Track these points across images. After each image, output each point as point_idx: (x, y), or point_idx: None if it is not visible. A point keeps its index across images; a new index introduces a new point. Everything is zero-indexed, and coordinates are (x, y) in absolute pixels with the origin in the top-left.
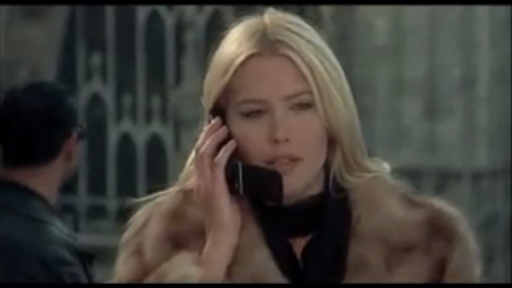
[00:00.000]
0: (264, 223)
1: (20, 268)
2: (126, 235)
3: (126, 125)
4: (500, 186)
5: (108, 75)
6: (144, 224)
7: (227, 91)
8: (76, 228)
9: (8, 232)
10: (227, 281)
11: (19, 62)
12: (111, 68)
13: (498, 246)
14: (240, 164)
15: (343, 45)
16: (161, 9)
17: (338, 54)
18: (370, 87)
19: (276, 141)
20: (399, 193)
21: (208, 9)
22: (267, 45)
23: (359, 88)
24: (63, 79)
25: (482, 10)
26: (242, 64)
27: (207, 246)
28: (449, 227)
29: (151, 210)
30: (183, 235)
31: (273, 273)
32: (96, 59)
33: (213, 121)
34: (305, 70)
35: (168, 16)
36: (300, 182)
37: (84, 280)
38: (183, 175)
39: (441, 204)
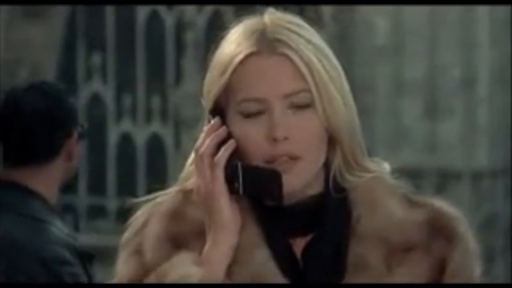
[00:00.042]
0: (264, 223)
1: (20, 268)
2: (126, 235)
3: (126, 125)
4: (500, 186)
5: (108, 75)
6: (144, 224)
7: (227, 90)
8: (76, 228)
9: (8, 232)
10: (227, 281)
11: (19, 62)
12: (111, 68)
13: (498, 246)
14: (240, 164)
15: (343, 45)
16: (161, 9)
17: (338, 54)
18: (370, 87)
19: (275, 140)
20: (399, 193)
21: (208, 9)
22: (266, 44)
23: (359, 88)
24: (63, 79)
25: (482, 10)
26: (241, 63)
27: (207, 246)
28: (449, 227)
29: (151, 210)
30: (183, 235)
31: (273, 273)
32: (96, 59)
33: (212, 121)
34: (304, 69)
35: (168, 16)
36: (299, 180)
37: (84, 280)
38: (183, 175)
39: (441, 204)
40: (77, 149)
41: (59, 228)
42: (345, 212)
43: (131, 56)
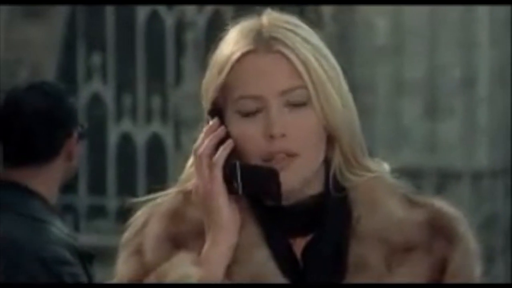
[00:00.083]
0: (264, 223)
1: (21, 268)
2: (126, 235)
3: (126, 125)
4: (500, 186)
5: (108, 75)
6: (144, 224)
7: (224, 89)
8: (76, 228)
9: (8, 232)
10: (227, 281)
11: (19, 62)
12: (111, 68)
13: (498, 246)
14: (238, 164)
15: (343, 45)
16: (161, 9)
17: (338, 54)
18: (370, 87)
19: (272, 137)
20: (400, 193)
21: (209, 9)
22: (262, 42)
23: (359, 88)
24: (63, 79)
25: (482, 10)
26: (238, 61)
27: (206, 246)
28: (449, 227)
29: (151, 211)
30: (183, 235)
31: (273, 273)
32: (96, 59)
33: (211, 122)
34: (300, 67)
35: (168, 16)
36: (297, 178)
37: (84, 280)
38: (183, 177)
39: (441, 204)
40: (77, 149)
41: (59, 228)
42: (345, 212)
43: (131, 56)
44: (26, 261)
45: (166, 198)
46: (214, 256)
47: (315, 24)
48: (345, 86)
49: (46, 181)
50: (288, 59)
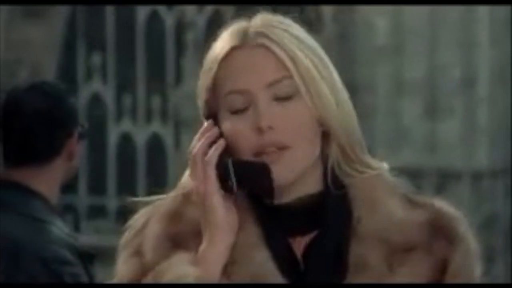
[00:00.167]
0: (264, 223)
1: (21, 268)
2: (125, 236)
3: (126, 125)
4: (500, 186)
5: (108, 75)
6: (144, 225)
7: (215, 88)
8: (76, 228)
9: (9, 232)
10: (226, 281)
11: (19, 62)
12: (111, 68)
13: (498, 246)
14: (230, 161)
15: (343, 45)
16: (161, 9)
17: (338, 54)
18: (370, 87)
19: (260, 130)
20: (400, 193)
21: (209, 9)
22: (249, 38)
23: (359, 88)
24: (63, 79)
25: (482, 10)
26: (225, 58)
27: (203, 246)
28: (449, 227)
29: (151, 212)
30: (182, 235)
31: (273, 273)
32: (96, 59)
33: (205, 124)
34: (285, 58)
35: (168, 16)
36: (290, 171)
37: (84, 280)
38: (181, 182)
39: (441, 204)
40: (77, 149)
41: (60, 228)
42: (345, 211)
43: (131, 56)
44: (26, 261)
45: (165, 199)
46: (211, 256)
47: (315, 24)
48: (340, 86)
49: (47, 181)
50: (273, 52)
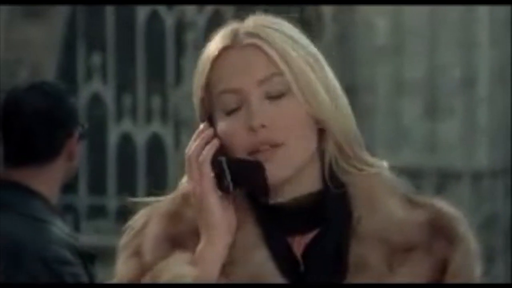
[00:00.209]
0: (264, 223)
1: (22, 268)
2: (125, 237)
3: (126, 125)
4: (500, 186)
5: (108, 75)
6: (144, 226)
7: (208, 87)
8: (76, 228)
9: (9, 232)
10: (226, 281)
11: (19, 62)
12: (111, 68)
13: (498, 246)
14: (224, 160)
15: (343, 45)
16: (161, 9)
17: (338, 54)
18: (370, 87)
19: (252, 129)
20: (400, 193)
21: (209, 9)
22: (239, 38)
23: (359, 88)
24: (63, 79)
25: (482, 10)
26: (216, 58)
27: (201, 245)
28: (449, 227)
29: (150, 212)
30: (181, 235)
31: (272, 273)
32: (96, 59)
33: (201, 126)
34: (275, 55)
35: (168, 16)
36: (283, 168)
37: (85, 280)
38: (181, 183)
39: (441, 204)
40: (78, 149)
41: (60, 228)
42: (345, 210)
43: (131, 56)
44: (27, 261)
45: (165, 200)
46: (209, 255)
47: (315, 24)
48: (334, 84)
49: (47, 181)
50: (263, 50)
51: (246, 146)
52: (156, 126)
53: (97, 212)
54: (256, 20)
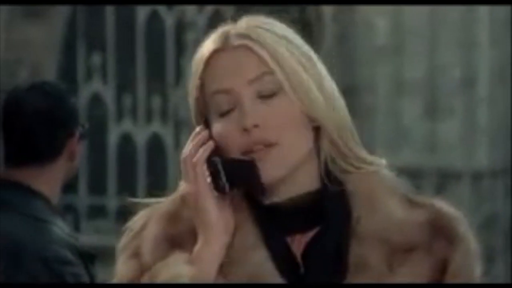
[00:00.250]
0: (263, 223)
1: (23, 268)
2: (124, 239)
3: (127, 125)
4: (500, 186)
5: (108, 75)
6: (143, 227)
7: (203, 89)
8: (76, 228)
9: (10, 232)
10: (224, 281)
11: (19, 62)
12: (111, 68)
13: (498, 246)
14: (219, 161)
15: (343, 45)
16: (161, 9)
17: (338, 54)
18: (370, 87)
19: (245, 129)
20: (399, 193)
21: (209, 9)
22: (230, 40)
23: (359, 88)
24: (63, 79)
25: (482, 10)
26: (208, 61)
27: (198, 246)
28: (449, 227)
29: (149, 214)
30: (180, 235)
31: (271, 273)
32: (96, 59)
33: (197, 128)
34: (267, 56)
35: (168, 16)
36: (278, 167)
37: (85, 280)
38: (181, 183)
39: (441, 204)
40: (78, 149)
41: (61, 228)
42: (344, 210)
43: (131, 56)
44: (27, 261)
45: (165, 201)
46: (206, 256)
47: (315, 24)
48: (328, 82)
49: (48, 181)
50: (254, 51)
51: (240, 146)
52: (156, 126)
53: (97, 212)
54: (249, 21)
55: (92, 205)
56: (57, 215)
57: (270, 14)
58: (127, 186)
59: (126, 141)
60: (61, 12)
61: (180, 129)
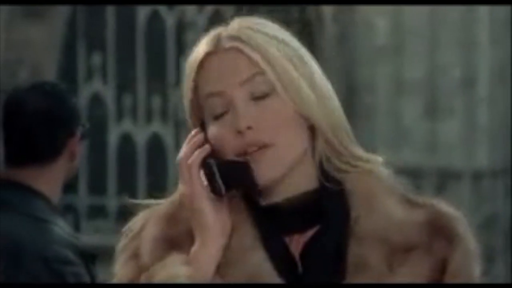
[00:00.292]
0: (261, 224)
1: (23, 268)
2: (123, 240)
3: (127, 125)
4: (500, 186)
5: (108, 75)
6: (142, 228)
7: (197, 91)
8: (76, 228)
9: (10, 231)
10: (221, 281)
11: (19, 62)
12: (111, 68)
13: (498, 246)
14: (214, 163)
15: (343, 45)
16: (162, 9)
17: (338, 54)
18: (370, 87)
19: (239, 131)
20: (398, 193)
21: (209, 9)
22: (221, 42)
23: (359, 88)
24: (63, 79)
25: (482, 10)
26: (201, 64)
27: (195, 247)
28: (449, 227)
29: (149, 215)
30: (179, 236)
31: (269, 274)
32: (96, 59)
33: (193, 131)
34: (258, 57)
35: (169, 16)
36: (273, 168)
37: (86, 280)
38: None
39: (441, 204)
40: (79, 149)
41: (62, 228)
42: (343, 209)
43: (131, 56)
44: (28, 260)
45: (164, 202)
46: (202, 257)
47: (315, 24)
48: (322, 81)
49: (49, 181)
50: (245, 52)
51: (235, 149)
52: (156, 126)
53: (97, 212)
54: (241, 22)
55: (92, 205)
56: (58, 215)
57: (270, 14)
58: (127, 186)
59: (126, 141)
60: (61, 12)
61: (180, 129)
